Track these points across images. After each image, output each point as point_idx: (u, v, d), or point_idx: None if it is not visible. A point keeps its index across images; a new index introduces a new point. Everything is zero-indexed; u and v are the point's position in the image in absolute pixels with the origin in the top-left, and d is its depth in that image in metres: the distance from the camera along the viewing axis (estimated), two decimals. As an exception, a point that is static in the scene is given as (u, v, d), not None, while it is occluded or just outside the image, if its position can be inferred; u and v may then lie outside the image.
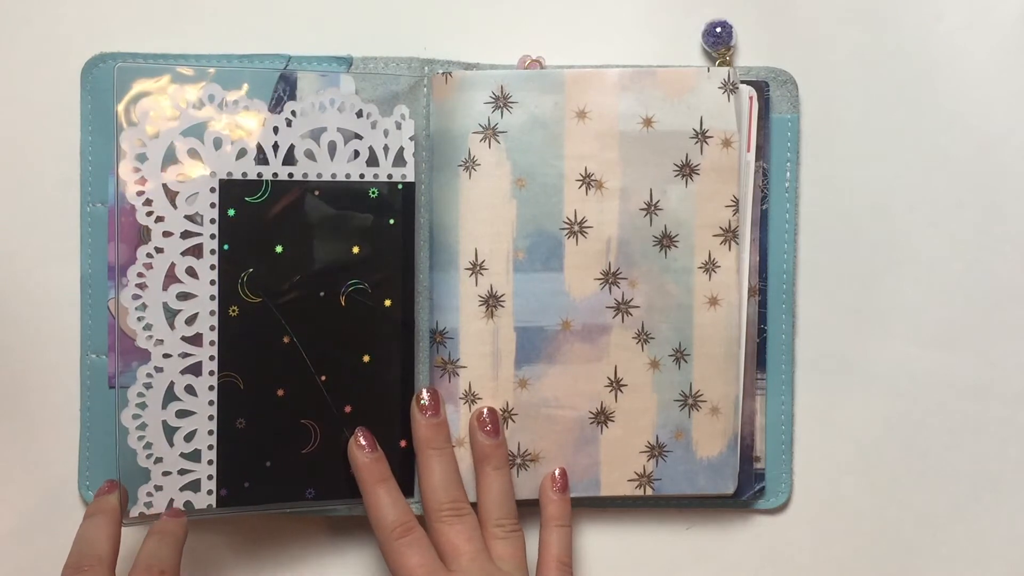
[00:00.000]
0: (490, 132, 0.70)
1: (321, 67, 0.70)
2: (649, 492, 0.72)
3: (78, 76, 0.71)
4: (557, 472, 0.71)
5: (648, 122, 0.70)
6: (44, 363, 0.72)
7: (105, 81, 0.70)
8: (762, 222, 0.73)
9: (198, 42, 0.71)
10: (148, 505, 0.66)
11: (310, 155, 0.68)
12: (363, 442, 0.68)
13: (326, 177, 0.69)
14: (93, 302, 0.71)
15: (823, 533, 0.75)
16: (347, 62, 0.71)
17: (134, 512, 0.66)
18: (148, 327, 0.66)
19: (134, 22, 0.71)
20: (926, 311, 0.75)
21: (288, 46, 0.71)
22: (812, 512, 0.75)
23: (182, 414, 0.67)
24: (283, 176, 0.68)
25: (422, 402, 0.70)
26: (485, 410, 0.70)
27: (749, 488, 0.73)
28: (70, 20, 0.71)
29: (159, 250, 0.66)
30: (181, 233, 0.67)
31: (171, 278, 0.67)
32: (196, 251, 0.67)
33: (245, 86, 0.67)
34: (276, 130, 0.68)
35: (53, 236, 0.71)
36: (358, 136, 0.69)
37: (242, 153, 0.67)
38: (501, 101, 0.70)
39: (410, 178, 0.70)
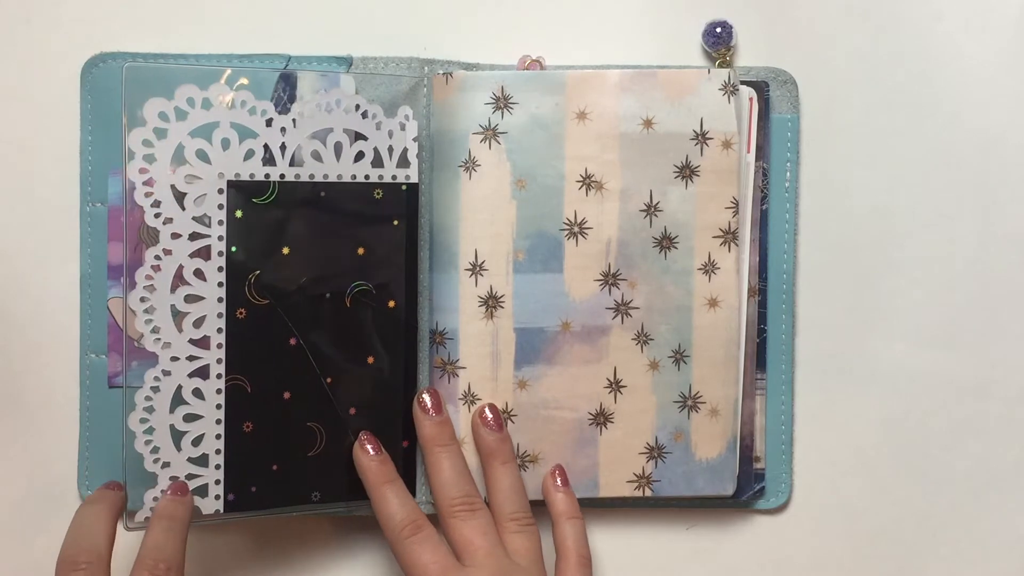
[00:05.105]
0: (490, 133, 0.70)
1: (321, 67, 0.70)
2: (648, 493, 0.72)
3: (78, 76, 0.70)
4: (555, 470, 0.71)
5: (648, 123, 0.70)
6: (44, 363, 0.72)
7: (105, 81, 0.70)
8: (762, 222, 0.73)
9: (198, 42, 0.71)
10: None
11: (316, 156, 0.68)
12: (368, 445, 0.68)
13: (332, 178, 0.68)
14: (92, 302, 0.71)
15: (823, 533, 0.75)
16: (347, 62, 0.71)
17: (140, 516, 0.65)
18: (156, 330, 0.65)
19: (134, 22, 0.71)
20: (926, 311, 0.75)
21: (288, 46, 0.71)
22: (812, 512, 0.75)
23: (190, 418, 0.66)
24: (290, 177, 0.68)
25: (424, 403, 0.70)
26: (486, 407, 0.70)
27: (749, 488, 0.73)
28: (70, 20, 0.71)
29: (167, 252, 0.65)
30: (189, 235, 0.66)
31: (179, 280, 0.66)
32: (204, 253, 0.66)
33: (251, 86, 0.67)
34: (283, 131, 0.67)
35: (53, 236, 0.71)
36: (363, 137, 0.69)
37: (250, 154, 0.67)
38: (502, 102, 0.69)
39: (414, 179, 0.70)
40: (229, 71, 0.67)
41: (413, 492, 0.70)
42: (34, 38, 0.71)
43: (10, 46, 0.71)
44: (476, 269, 0.70)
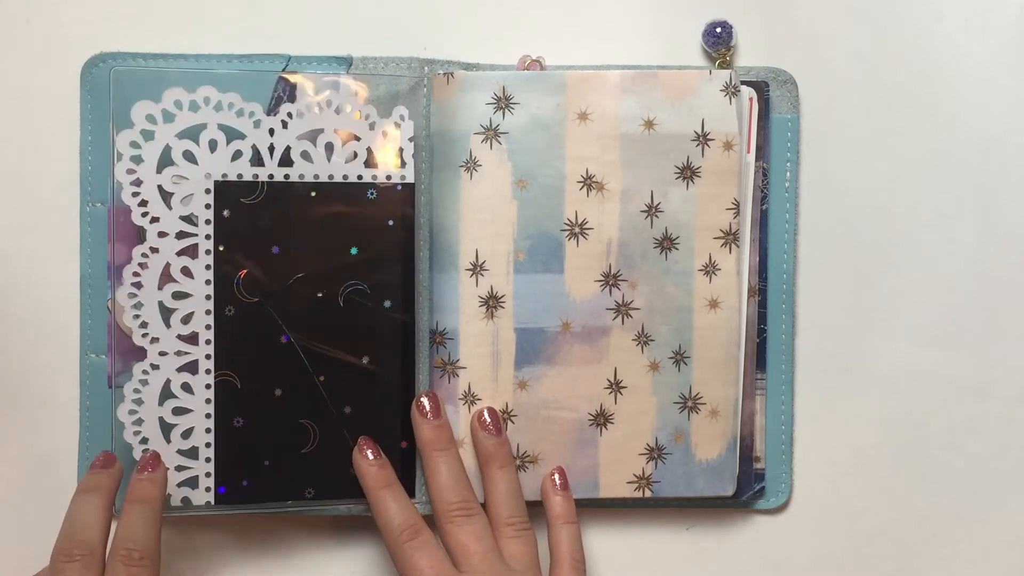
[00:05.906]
0: (491, 133, 0.70)
1: (321, 67, 0.70)
2: (648, 494, 0.72)
3: (78, 76, 0.70)
4: (555, 472, 0.71)
5: (649, 124, 0.70)
6: (44, 363, 0.72)
7: (105, 81, 0.70)
8: (762, 222, 0.73)
9: (198, 42, 0.71)
10: None
11: (307, 156, 0.68)
12: (368, 450, 0.69)
13: (323, 178, 0.69)
14: (92, 302, 0.71)
15: (823, 533, 0.75)
16: (347, 62, 0.71)
17: None
18: (144, 325, 0.67)
19: (134, 22, 0.71)
20: (926, 311, 0.75)
21: (288, 46, 0.71)
22: (812, 512, 0.75)
23: (179, 411, 0.68)
24: (279, 177, 0.68)
25: (422, 406, 0.70)
26: (485, 410, 0.70)
27: (749, 488, 0.73)
28: (70, 20, 0.71)
29: (154, 250, 0.67)
30: (176, 233, 0.67)
31: (166, 277, 0.67)
32: (191, 251, 0.67)
33: (241, 88, 0.68)
34: (272, 132, 0.68)
35: (53, 236, 0.71)
36: (356, 137, 0.69)
37: (237, 155, 0.68)
38: (503, 102, 0.69)
39: (409, 179, 0.70)
40: (217, 73, 0.68)
41: (412, 493, 0.70)
42: (34, 38, 0.71)
43: (10, 46, 0.71)
44: (476, 269, 0.70)
